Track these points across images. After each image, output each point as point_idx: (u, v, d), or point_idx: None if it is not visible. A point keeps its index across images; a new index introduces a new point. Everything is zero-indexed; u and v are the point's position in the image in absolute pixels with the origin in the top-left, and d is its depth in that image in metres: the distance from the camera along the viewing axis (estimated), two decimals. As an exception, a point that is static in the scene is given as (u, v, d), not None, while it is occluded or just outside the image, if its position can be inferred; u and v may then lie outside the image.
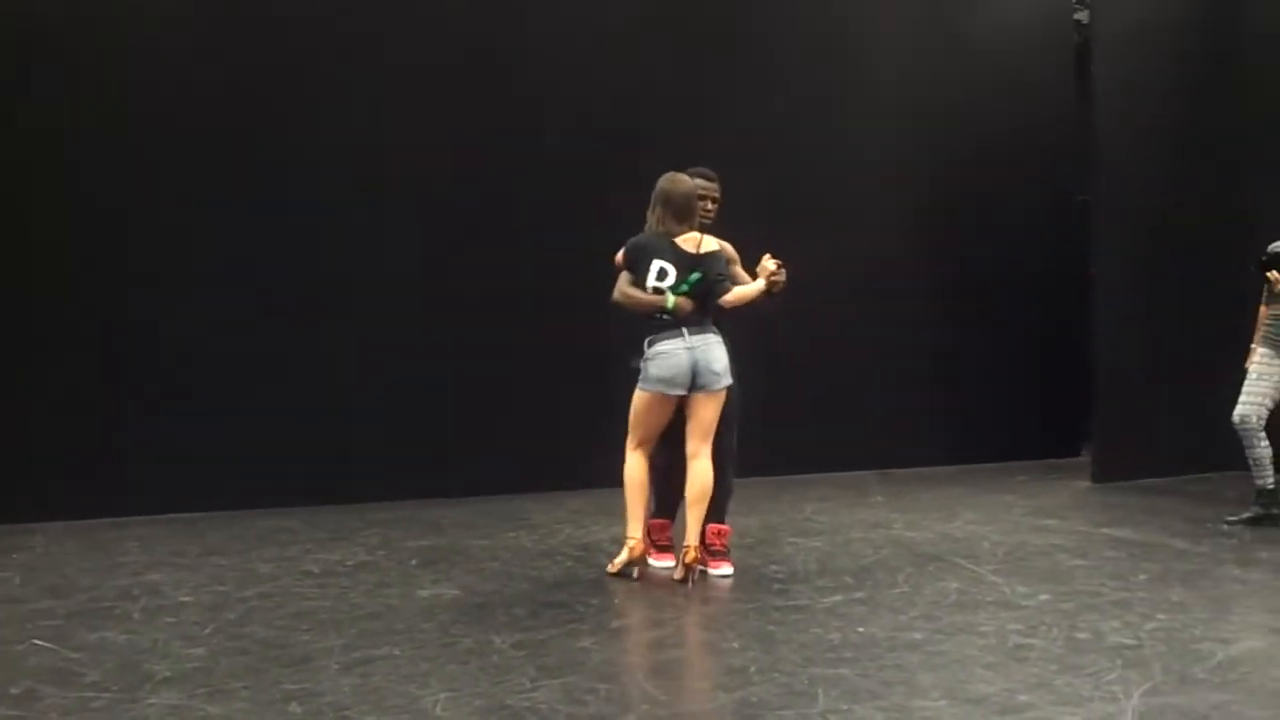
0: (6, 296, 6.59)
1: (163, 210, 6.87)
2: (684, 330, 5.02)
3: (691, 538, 5.03)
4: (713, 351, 5.03)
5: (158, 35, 6.88)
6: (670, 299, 5.03)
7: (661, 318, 5.05)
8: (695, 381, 5.03)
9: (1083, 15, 9.39)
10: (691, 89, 7.99)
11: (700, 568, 5.13)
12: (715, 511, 5.24)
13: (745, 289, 5.06)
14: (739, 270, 5.22)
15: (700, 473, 5.08)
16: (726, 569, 5.21)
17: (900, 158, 8.85)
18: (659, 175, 5.21)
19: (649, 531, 5.34)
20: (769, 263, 5.04)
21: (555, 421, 7.44)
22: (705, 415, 5.08)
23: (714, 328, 5.11)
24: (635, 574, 5.14)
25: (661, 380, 5.03)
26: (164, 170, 6.88)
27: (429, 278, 7.37)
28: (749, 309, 5.14)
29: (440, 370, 7.40)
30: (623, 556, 5.16)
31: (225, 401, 6.95)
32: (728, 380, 5.09)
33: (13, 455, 6.52)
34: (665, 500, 5.40)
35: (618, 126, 7.67)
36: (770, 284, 5.01)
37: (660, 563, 5.32)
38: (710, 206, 5.31)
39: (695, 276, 5.05)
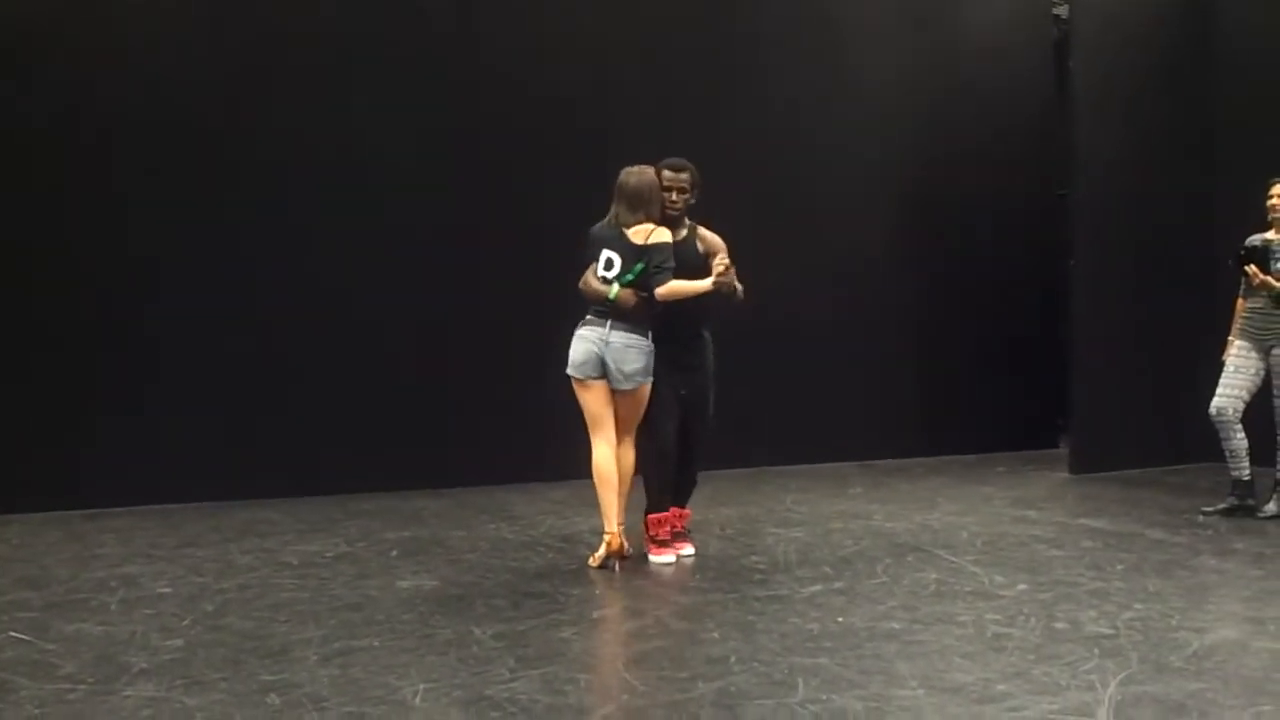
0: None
1: (141, 203, 6.81)
2: (608, 323, 5.09)
3: (610, 524, 5.11)
4: (626, 353, 5.08)
5: (155, 36, 6.82)
6: (614, 290, 5.08)
7: (605, 305, 5.12)
8: (606, 375, 5.11)
9: (1062, 10, 9.44)
10: (672, 89, 7.97)
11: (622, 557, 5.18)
12: (682, 499, 5.41)
13: (683, 284, 5.05)
14: (713, 260, 5.17)
15: (624, 459, 5.23)
16: (668, 557, 5.27)
17: (880, 152, 8.87)
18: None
19: (648, 525, 5.35)
20: (717, 264, 5.03)
21: (537, 413, 7.41)
22: (622, 410, 5.20)
23: (644, 330, 5.11)
24: (616, 567, 5.14)
25: (573, 363, 5.15)
26: (141, 163, 6.82)
27: (410, 271, 7.34)
28: (702, 304, 5.13)
29: (421, 362, 7.38)
30: (602, 550, 5.16)
31: (204, 393, 6.91)
32: (640, 380, 5.11)
33: (-12, 446, 6.48)
34: (678, 489, 5.44)
35: (605, 126, 7.64)
36: (716, 283, 4.99)
37: (657, 558, 5.28)
38: (676, 198, 5.21)
39: (639, 267, 5.09)
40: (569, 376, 5.20)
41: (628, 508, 5.28)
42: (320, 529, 6.11)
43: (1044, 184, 9.43)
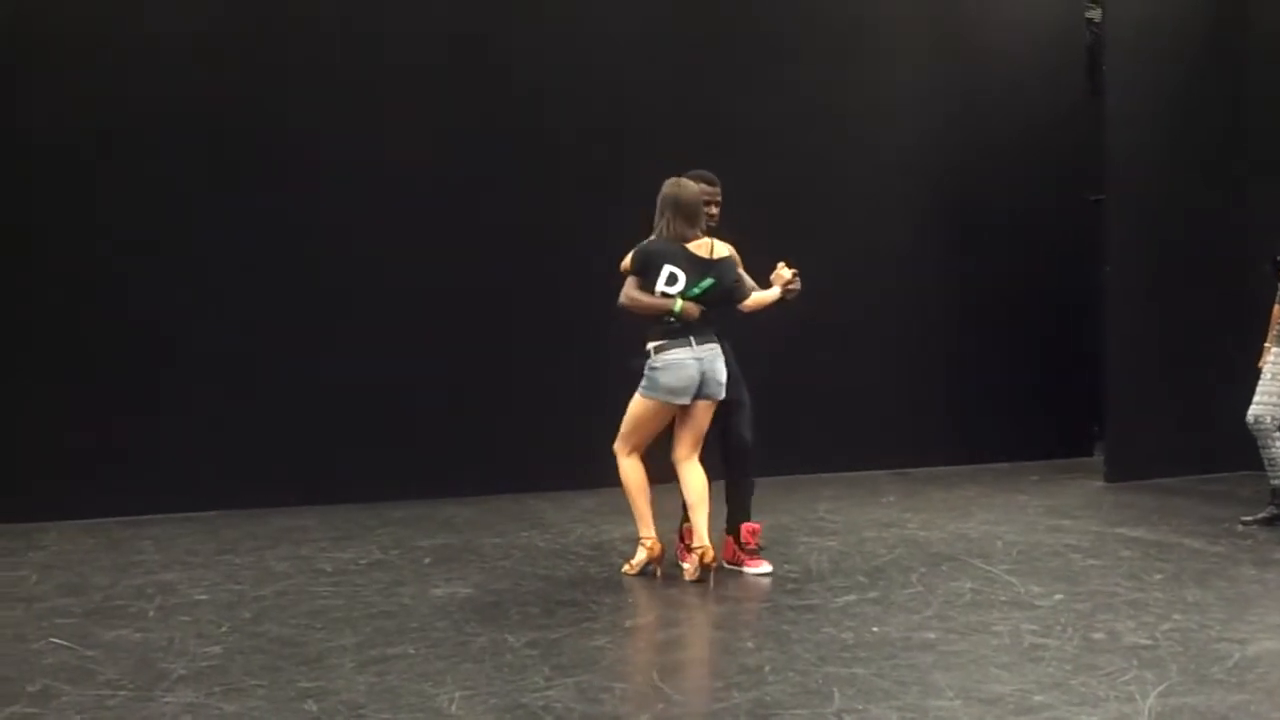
0: (20, 297, 6.61)
1: (174, 209, 6.88)
2: (691, 339, 5.01)
3: (702, 538, 5.01)
4: (718, 362, 5.07)
5: (155, 37, 6.86)
6: (678, 303, 5.00)
7: (669, 322, 5.02)
8: (700, 391, 5.06)
9: (1095, 14, 9.38)
10: (700, 90, 7.98)
11: (727, 564, 5.19)
12: (742, 511, 5.32)
13: (763, 295, 5.18)
14: (742, 274, 5.25)
15: (696, 476, 5.13)
16: (765, 567, 5.23)
17: (912, 158, 8.84)
18: (664, 177, 5.19)
19: (683, 535, 5.31)
20: (784, 271, 5.14)
21: (567, 421, 7.43)
22: (702, 422, 5.14)
23: (717, 337, 5.11)
24: (657, 572, 5.14)
25: (671, 390, 5.01)
26: (183, 171, 6.89)
27: (443, 276, 7.37)
28: (761, 313, 5.25)
29: (453, 370, 7.40)
30: (640, 557, 5.16)
31: (239, 401, 6.97)
32: (724, 390, 5.12)
33: (29, 454, 6.55)
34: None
35: (621, 127, 7.67)
36: (785, 291, 5.13)
37: (758, 569, 5.23)
38: (714, 211, 5.28)
39: (708, 282, 5.05)
40: (656, 401, 5.04)
41: (659, 515, 5.26)
42: (354, 536, 6.14)
43: (1077, 189, 9.37)
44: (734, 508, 5.34)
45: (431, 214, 7.37)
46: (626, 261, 5.18)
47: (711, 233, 5.24)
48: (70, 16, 6.71)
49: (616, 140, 7.63)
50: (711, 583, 5.01)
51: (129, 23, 6.83)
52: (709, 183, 5.28)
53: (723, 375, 5.07)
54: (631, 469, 5.18)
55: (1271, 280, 6.33)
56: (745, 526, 5.29)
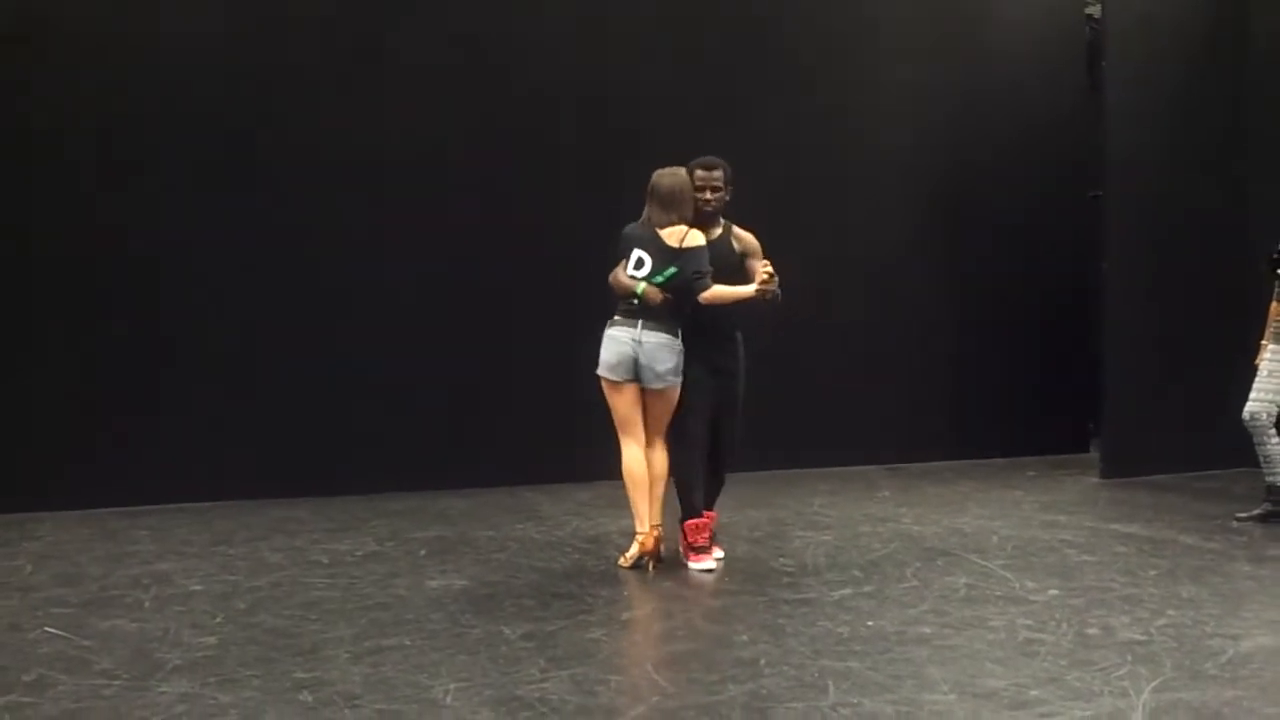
0: (17, 287, 6.59)
1: (170, 199, 6.86)
2: (639, 322, 5.08)
3: (655, 518, 5.15)
4: (659, 353, 5.07)
5: (157, 36, 6.85)
6: (640, 286, 5.07)
7: (631, 303, 5.12)
8: (639, 376, 5.10)
9: (1094, 10, 9.36)
10: (701, 88, 7.97)
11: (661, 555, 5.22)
12: (710, 501, 5.37)
13: (727, 289, 5.08)
14: (757, 264, 5.17)
15: (655, 461, 5.20)
16: (707, 563, 5.18)
17: (910, 153, 8.84)
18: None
19: (685, 532, 5.29)
20: (762, 271, 5.03)
21: (563, 415, 7.43)
22: (654, 410, 5.19)
23: (674, 330, 5.11)
24: (650, 567, 5.14)
25: (605, 365, 5.14)
26: (177, 157, 6.88)
27: (440, 270, 7.37)
28: (748, 309, 5.15)
29: (449, 362, 7.40)
30: (633, 550, 5.17)
31: (234, 392, 6.96)
32: (672, 380, 5.11)
33: (23, 444, 6.54)
34: (707, 492, 5.39)
35: (623, 125, 7.65)
36: (760, 291, 5.01)
37: (697, 565, 5.19)
38: (710, 196, 5.22)
39: (671, 271, 5.08)
40: (599, 377, 5.19)
41: (663, 510, 5.27)
42: (349, 528, 6.14)
43: (1076, 185, 9.37)
44: (706, 496, 5.33)
45: (428, 210, 7.36)
46: None
47: (708, 220, 5.23)
48: (69, 17, 6.68)
49: (614, 138, 7.61)
50: (650, 569, 5.10)
51: (129, 22, 6.80)
52: (706, 168, 5.24)
53: (661, 367, 5.07)
54: (630, 460, 5.19)
55: (1268, 277, 6.32)
56: (689, 523, 5.22)
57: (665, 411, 5.20)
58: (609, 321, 5.19)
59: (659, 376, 5.09)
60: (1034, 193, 9.17)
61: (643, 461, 5.18)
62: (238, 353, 6.98)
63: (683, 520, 5.29)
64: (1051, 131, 9.22)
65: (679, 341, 5.13)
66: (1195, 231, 8.06)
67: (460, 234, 7.42)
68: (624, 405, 5.18)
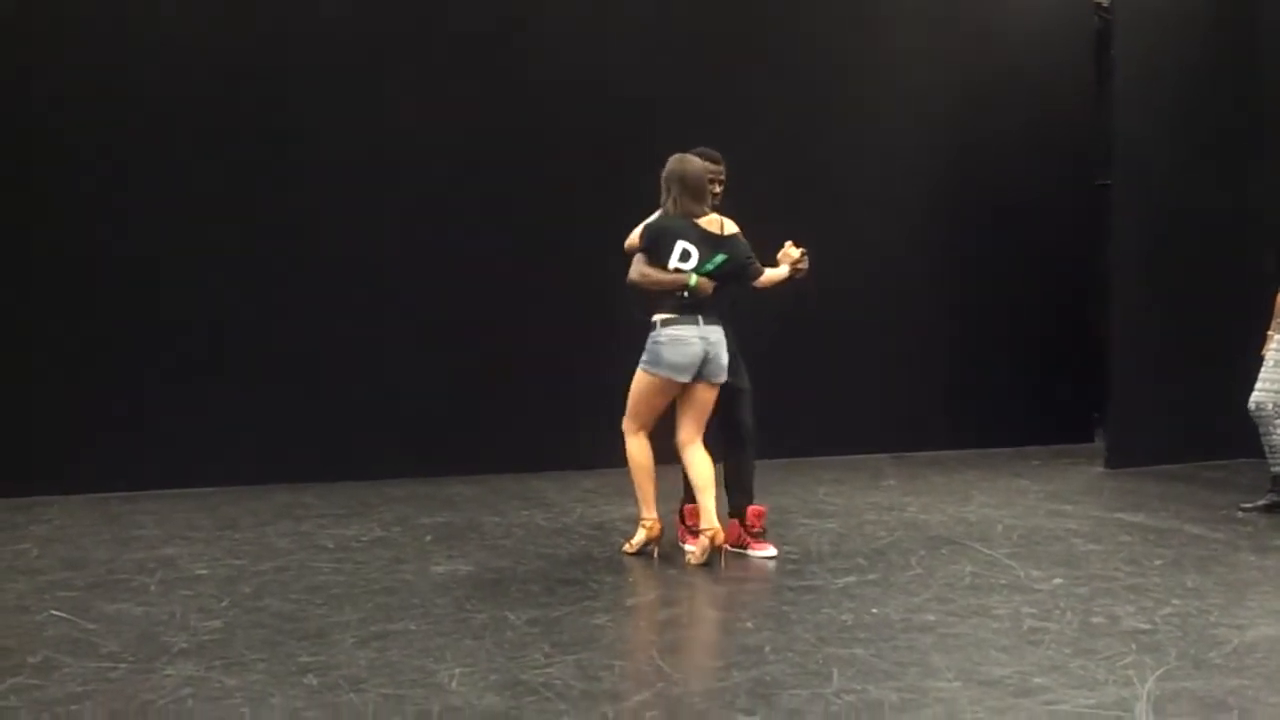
0: (21, 272, 6.59)
1: (176, 186, 6.86)
2: (699, 318, 4.99)
3: (710, 520, 4.99)
4: (722, 345, 5.06)
5: (158, 36, 6.82)
6: (693, 278, 4.98)
7: (682, 298, 5.00)
8: (701, 371, 5.02)
9: (1103, -1, 9.34)
10: (707, 79, 7.94)
11: (730, 548, 5.16)
12: (745, 494, 5.30)
13: (775, 272, 5.22)
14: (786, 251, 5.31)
15: (701, 459, 5.08)
16: (770, 550, 5.21)
17: (917, 142, 8.82)
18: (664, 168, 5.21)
19: (684, 516, 5.34)
20: (792, 250, 5.17)
21: (568, 401, 7.44)
22: (704, 405, 5.10)
23: (721, 319, 5.09)
24: (654, 553, 5.15)
25: (673, 367, 4.98)
26: (185, 154, 6.88)
27: (446, 256, 7.37)
28: (767, 291, 5.26)
29: (455, 348, 7.40)
30: (639, 537, 5.17)
31: (240, 377, 6.97)
32: (726, 374, 5.10)
33: (29, 429, 6.55)
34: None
35: (631, 116, 7.64)
36: (794, 270, 5.16)
37: (763, 551, 5.22)
38: (717, 189, 5.27)
39: (720, 258, 5.04)
40: (647, 373, 5.04)
41: (661, 496, 5.25)
42: (355, 513, 6.15)
43: (1083, 174, 9.35)
44: (736, 491, 5.33)
45: (433, 196, 7.36)
46: (634, 238, 5.17)
47: (721, 211, 5.22)
48: (70, 15, 6.66)
49: (614, 134, 7.60)
50: (723, 564, 5.02)
51: (130, 21, 6.78)
52: (713, 160, 5.27)
53: (725, 359, 5.05)
54: (637, 449, 5.16)
55: (1274, 268, 6.30)
56: (751, 509, 5.28)
57: (712, 405, 5.13)
58: (660, 321, 5.01)
59: (723, 369, 5.05)
60: (1040, 182, 9.15)
61: (649, 450, 5.15)
62: (244, 338, 6.99)
63: (742, 508, 5.28)
64: (1058, 121, 9.20)
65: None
66: (1202, 221, 8.04)
67: (466, 223, 7.42)
68: (663, 402, 5.09)
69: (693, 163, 5.10)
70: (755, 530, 5.26)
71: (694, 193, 5.05)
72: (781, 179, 7.76)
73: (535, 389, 7.52)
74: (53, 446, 6.59)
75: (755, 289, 5.20)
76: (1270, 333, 6.39)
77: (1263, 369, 6.33)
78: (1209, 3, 8.26)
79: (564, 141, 7.62)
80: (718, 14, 8.11)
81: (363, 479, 7.05)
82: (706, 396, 5.09)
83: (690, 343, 4.97)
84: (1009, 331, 9.02)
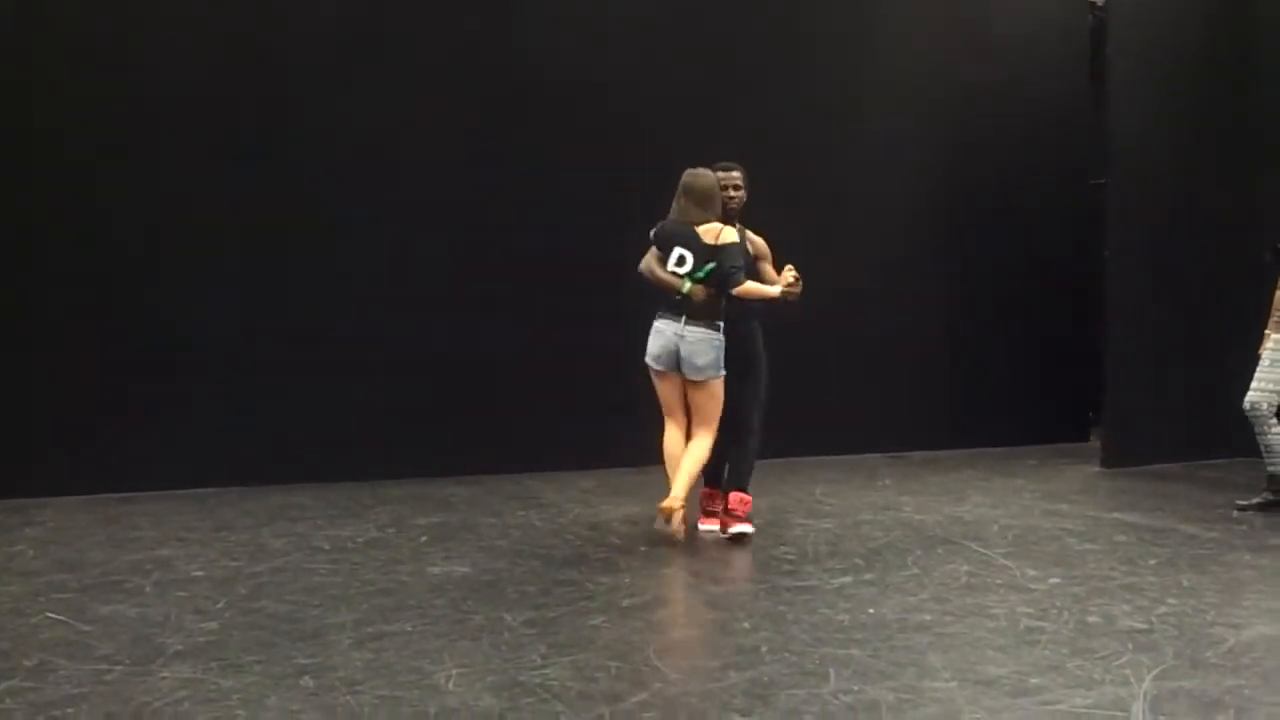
0: (19, 273, 6.58)
1: (173, 187, 6.85)
2: (684, 318, 5.36)
3: (680, 490, 5.31)
4: (698, 347, 5.34)
5: (159, 35, 6.80)
6: (686, 284, 5.35)
7: (676, 299, 5.38)
8: (680, 368, 5.38)
9: (1097, -3, 9.34)
10: (707, 80, 7.94)
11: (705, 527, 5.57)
12: (736, 480, 5.60)
13: (758, 285, 5.42)
14: (768, 267, 5.62)
15: (693, 444, 5.46)
16: (746, 527, 5.48)
17: (913, 142, 8.81)
18: (675, 168, 5.51)
19: (702, 501, 5.79)
20: (789, 274, 5.38)
21: (567, 402, 7.44)
22: (697, 401, 5.47)
23: (715, 325, 5.37)
24: (679, 533, 5.42)
25: (650, 355, 5.45)
26: (182, 155, 6.86)
27: (442, 258, 7.36)
28: (771, 307, 5.49)
29: (452, 349, 7.40)
30: (666, 503, 5.34)
31: (236, 378, 6.96)
32: (712, 374, 5.39)
33: (24, 430, 6.54)
34: (713, 471, 5.77)
35: (635, 123, 7.63)
36: (785, 293, 5.34)
37: (705, 526, 5.73)
38: (733, 194, 5.55)
39: (711, 266, 5.34)
40: (646, 365, 5.47)
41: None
42: (351, 514, 6.14)
43: (1078, 173, 9.35)
44: (731, 475, 5.63)
45: (431, 198, 7.34)
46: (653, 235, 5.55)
47: (731, 218, 5.51)
48: (69, 16, 6.64)
49: (618, 136, 7.59)
50: (681, 535, 5.39)
51: (130, 20, 6.76)
52: (726, 169, 5.58)
53: (700, 360, 5.35)
54: (665, 438, 5.55)
55: (1271, 267, 6.31)
56: (735, 494, 5.55)
57: (708, 404, 5.45)
58: (657, 314, 5.46)
59: (698, 370, 5.36)
60: (1036, 181, 9.15)
61: (679, 442, 5.51)
62: (239, 339, 6.97)
63: (733, 489, 5.59)
64: (1054, 119, 9.20)
65: (720, 335, 5.38)
66: (1197, 219, 8.04)
67: (462, 224, 7.41)
68: (668, 393, 5.52)
69: (703, 176, 5.46)
70: (736, 514, 5.52)
71: (698, 201, 5.41)
72: (781, 184, 7.73)
73: (532, 389, 7.51)
74: (49, 448, 6.57)
75: (734, 297, 5.38)
76: (1266, 332, 6.39)
77: (1258, 368, 6.33)
78: (1204, 0, 8.26)
79: (564, 142, 7.60)
80: (718, 16, 8.10)
81: (358, 480, 7.04)
82: (691, 392, 5.46)
83: (664, 334, 5.40)
84: (1005, 330, 9.02)
